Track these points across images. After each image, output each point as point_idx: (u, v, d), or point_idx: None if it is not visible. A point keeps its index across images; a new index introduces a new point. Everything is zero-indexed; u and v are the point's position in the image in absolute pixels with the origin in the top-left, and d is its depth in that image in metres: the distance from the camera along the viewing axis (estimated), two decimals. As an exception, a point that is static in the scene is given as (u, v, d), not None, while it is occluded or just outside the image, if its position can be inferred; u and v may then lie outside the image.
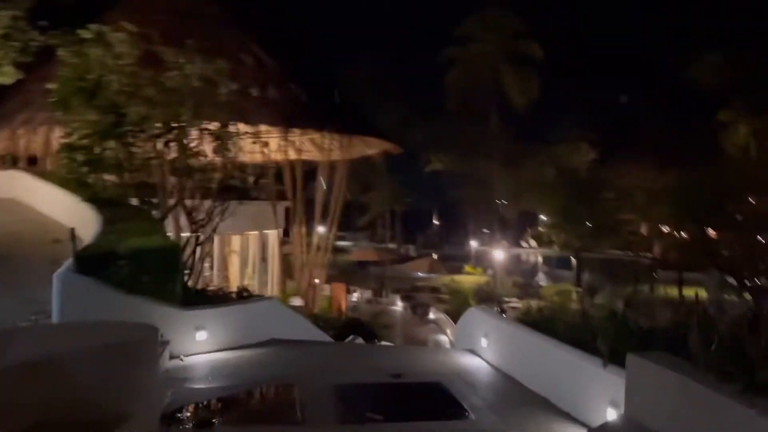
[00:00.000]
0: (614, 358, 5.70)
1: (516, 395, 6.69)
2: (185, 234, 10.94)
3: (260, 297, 11.52)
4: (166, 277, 7.97)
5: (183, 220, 11.20)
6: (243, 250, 18.64)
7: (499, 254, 29.87)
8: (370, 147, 20.95)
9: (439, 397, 6.62)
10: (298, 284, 18.87)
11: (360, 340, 11.48)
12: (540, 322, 7.72)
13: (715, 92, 35.28)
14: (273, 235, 19.97)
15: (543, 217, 45.15)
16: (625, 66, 41.45)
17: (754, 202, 26.16)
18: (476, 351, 8.35)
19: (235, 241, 18.30)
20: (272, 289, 19.56)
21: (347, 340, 11.46)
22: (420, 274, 30.77)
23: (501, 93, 30.39)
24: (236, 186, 12.42)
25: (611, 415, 5.29)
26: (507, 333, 7.75)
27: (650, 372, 4.67)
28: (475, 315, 9.00)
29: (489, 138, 31.23)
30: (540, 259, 41.71)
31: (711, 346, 4.27)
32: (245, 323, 8.81)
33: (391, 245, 40.07)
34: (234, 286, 17.09)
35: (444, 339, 19.77)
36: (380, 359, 8.80)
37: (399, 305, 22.66)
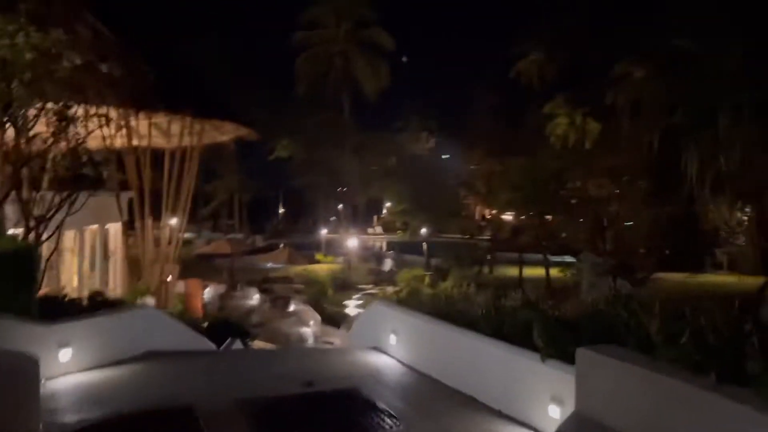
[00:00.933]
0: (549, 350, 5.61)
1: (442, 396, 6.39)
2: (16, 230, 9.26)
3: (130, 304, 10.14)
4: (19, 287, 6.57)
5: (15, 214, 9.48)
6: (81, 247, 16.48)
7: (350, 241, 29.85)
8: (224, 133, 19.65)
9: (360, 405, 6.09)
10: (148, 282, 17.19)
11: (238, 344, 10.55)
12: (448, 314, 7.50)
13: (543, 86, 38.56)
14: (116, 228, 17.98)
15: (388, 204, 46.19)
16: (463, 59, 43.27)
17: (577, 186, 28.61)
18: (384, 349, 7.96)
19: (72, 237, 16.13)
20: (117, 289, 17.62)
21: (224, 345, 10.47)
22: (272, 264, 29.85)
23: (352, 81, 30.23)
24: (82, 174, 10.82)
25: (554, 411, 5.15)
26: (419, 328, 7.43)
27: (606, 366, 4.58)
28: (378, 309, 8.62)
29: (337, 125, 30.95)
30: (384, 246, 42.42)
31: (678, 338, 4.27)
32: (116, 335, 7.62)
33: (238, 235, 38.43)
34: (70, 289, 15.10)
35: (307, 331, 19.22)
36: (282, 365, 8.06)
37: (256, 299, 21.64)
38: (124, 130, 16.38)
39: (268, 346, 13.47)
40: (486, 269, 27.51)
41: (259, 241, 39.79)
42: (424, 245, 31.15)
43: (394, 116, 39.65)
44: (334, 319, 20.95)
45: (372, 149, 32.99)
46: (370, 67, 29.70)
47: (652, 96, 35.72)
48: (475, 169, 32.98)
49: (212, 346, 9.12)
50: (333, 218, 42.21)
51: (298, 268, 29.23)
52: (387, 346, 7.93)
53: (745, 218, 22.43)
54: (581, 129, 34.99)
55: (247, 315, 19.82)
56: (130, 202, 18.38)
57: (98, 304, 9.03)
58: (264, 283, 24.57)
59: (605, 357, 4.64)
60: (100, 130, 13.20)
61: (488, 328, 6.25)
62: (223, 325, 12.77)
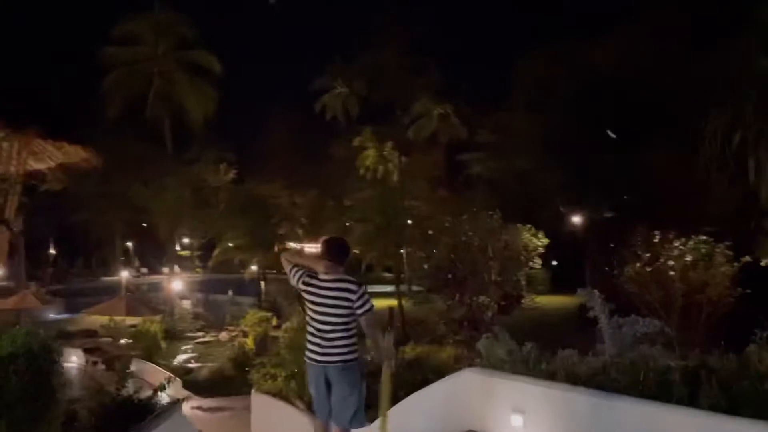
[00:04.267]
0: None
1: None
2: None
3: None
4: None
5: None
6: None
7: (173, 284, 26.69)
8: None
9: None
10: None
11: None
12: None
13: (349, 120, 39.50)
14: None
15: (186, 240, 42.65)
16: (267, 87, 42.39)
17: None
18: None
19: None
20: None
21: None
22: (63, 315, 25.26)
23: (173, 105, 27.38)
24: None
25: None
26: (565, 402, 5.46)
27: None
28: (472, 380, 6.37)
29: (143, 153, 27.81)
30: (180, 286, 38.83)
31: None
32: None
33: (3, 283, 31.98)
34: None
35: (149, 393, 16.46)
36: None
37: (75, 361, 17.93)
38: None
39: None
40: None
41: (34, 288, 33.64)
42: (262, 284, 29.28)
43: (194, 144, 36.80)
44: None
45: (181, 179, 30.27)
46: (195, 90, 27.31)
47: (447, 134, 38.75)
48: (299, 202, 32.06)
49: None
50: (122, 258, 37.66)
51: (102, 319, 25.22)
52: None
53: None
54: (389, 161, 36.46)
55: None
56: None
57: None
58: (60, 339, 20.54)
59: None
60: None
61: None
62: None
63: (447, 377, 6.56)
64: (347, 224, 27.07)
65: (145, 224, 33.80)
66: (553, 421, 5.47)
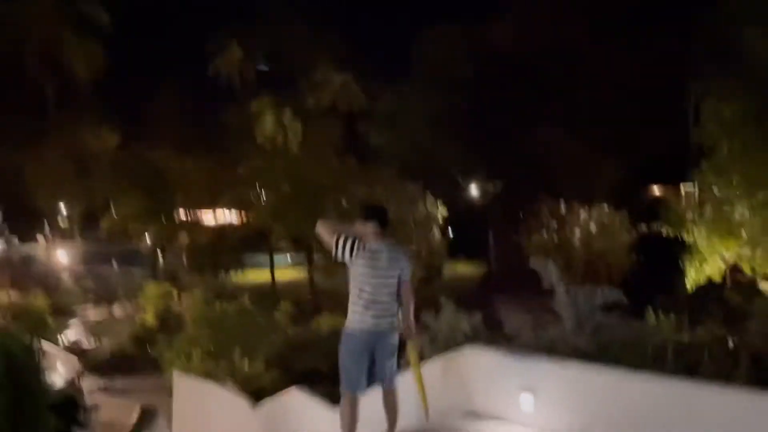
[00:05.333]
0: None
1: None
2: None
3: None
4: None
5: None
6: None
7: (59, 255, 24.47)
8: None
9: None
10: None
11: None
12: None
13: (245, 86, 37.69)
14: None
15: (65, 212, 39.38)
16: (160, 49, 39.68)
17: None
18: (510, 417, 5.42)
19: None
20: None
21: None
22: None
23: (59, 62, 24.67)
24: None
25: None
26: (581, 381, 5.16)
27: None
28: (478, 358, 5.84)
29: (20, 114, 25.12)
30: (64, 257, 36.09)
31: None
32: None
33: None
34: None
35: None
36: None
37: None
38: None
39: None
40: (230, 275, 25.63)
41: None
42: (159, 256, 27.54)
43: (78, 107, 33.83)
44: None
45: (58, 144, 27.83)
46: (81, 47, 24.79)
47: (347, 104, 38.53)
48: (191, 170, 30.42)
49: None
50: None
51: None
52: (517, 414, 5.47)
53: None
54: (289, 129, 35.37)
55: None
56: None
57: None
58: None
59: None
60: None
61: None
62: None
63: (445, 355, 6.17)
64: (250, 194, 26.10)
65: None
66: (568, 401, 5.15)
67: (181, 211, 33.08)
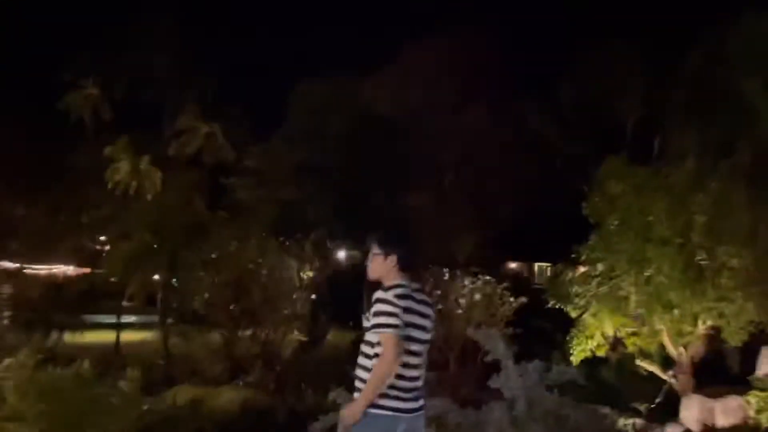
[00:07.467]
0: None
1: None
2: None
3: None
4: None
5: None
6: None
7: None
8: None
9: None
10: None
11: None
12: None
13: (99, 125, 34.28)
14: None
15: None
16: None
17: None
18: None
19: None
20: None
21: None
22: None
23: None
24: None
25: None
26: None
27: None
28: None
29: None
30: None
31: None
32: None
33: None
34: None
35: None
36: None
37: None
38: None
39: None
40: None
41: None
42: None
43: None
44: None
45: None
46: None
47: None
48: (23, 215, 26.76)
49: None
50: None
51: None
52: None
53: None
54: (146, 177, 32.52)
55: None
56: None
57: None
58: None
59: None
60: None
61: None
62: None
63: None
64: (100, 243, 23.20)
65: None
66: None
67: (8, 259, 28.96)
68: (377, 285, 3.75)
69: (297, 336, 15.12)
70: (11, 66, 34.64)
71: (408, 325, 3.38)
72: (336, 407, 7.48)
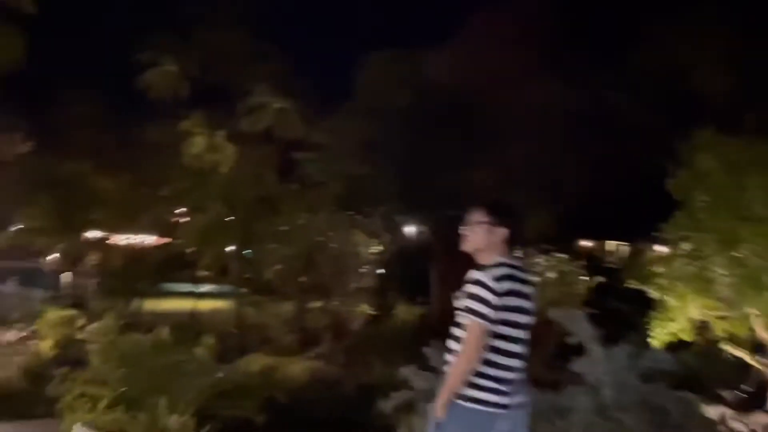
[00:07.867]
0: None
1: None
2: None
3: None
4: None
5: None
6: None
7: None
8: None
9: None
10: None
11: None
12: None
13: (177, 102, 35.31)
14: None
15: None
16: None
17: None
18: None
19: None
20: None
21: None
22: None
23: None
24: None
25: None
26: None
27: None
28: None
29: None
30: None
31: None
32: None
33: None
34: None
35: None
36: None
37: None
38: None
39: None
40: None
41: None
42: (63, 275, 24.50)
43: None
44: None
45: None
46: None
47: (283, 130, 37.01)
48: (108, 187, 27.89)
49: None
50: None
51: None
52: None
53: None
54: (220, 152, 33.33)
55: None
56: None
57: None
58: None
59: None
60: None
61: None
62: None
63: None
64: (174, 215, 23.94)
65: None
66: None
67: (95, 229, 30.35)
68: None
69: (365, 309, 15.09)
70: (93, 45, 36.07)
71: (506, 308, 3.09)
72: (407, 386, 7.33)
